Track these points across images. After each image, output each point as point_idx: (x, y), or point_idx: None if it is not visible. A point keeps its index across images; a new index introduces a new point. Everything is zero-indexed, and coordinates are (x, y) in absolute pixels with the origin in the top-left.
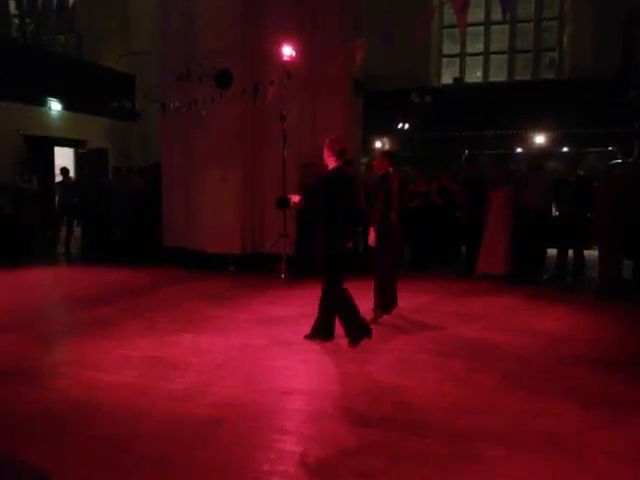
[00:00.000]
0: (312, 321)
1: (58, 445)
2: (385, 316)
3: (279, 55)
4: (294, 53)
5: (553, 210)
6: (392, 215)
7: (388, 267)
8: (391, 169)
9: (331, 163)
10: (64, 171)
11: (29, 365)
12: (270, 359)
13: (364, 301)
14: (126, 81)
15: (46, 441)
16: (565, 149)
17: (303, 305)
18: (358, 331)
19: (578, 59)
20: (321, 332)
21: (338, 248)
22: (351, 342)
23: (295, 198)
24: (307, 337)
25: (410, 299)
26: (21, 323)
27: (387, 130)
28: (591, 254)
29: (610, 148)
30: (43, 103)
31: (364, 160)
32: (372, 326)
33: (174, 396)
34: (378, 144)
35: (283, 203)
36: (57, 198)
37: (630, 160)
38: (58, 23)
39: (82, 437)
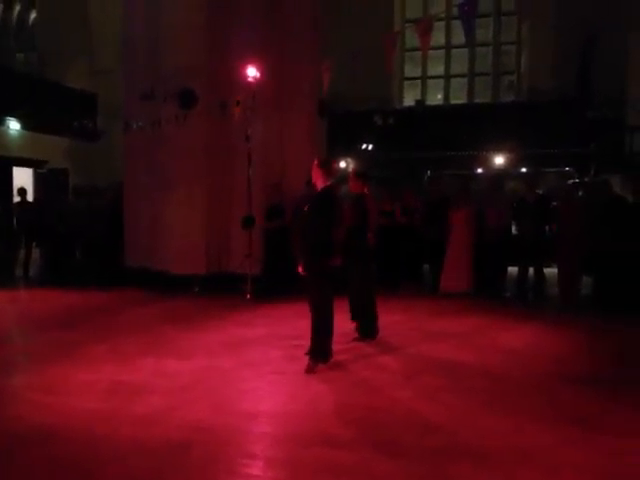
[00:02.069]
0: (279, 342)
1: (17, 471)
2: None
3: (244, 75)
4: (259, 74)
5: (513, 229)
6: (369, 236)
7: (364, 288)
8: (366, 189)
9: (321, 182)
10: (21, 191)
11: None
12: (237, 381)
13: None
14: (88, 100)
15: (4, 467)
16: (524, 169)
17: (269, 325)
18: (321, 353)
19: (536, 82)
20: (319, 354)
21: (327, 264)
22: (310, 360)
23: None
24: (307, 370)
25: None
26: None
27: (351, 150)
28: (550, 271)
29: (567, 168)
30: (1, 122)
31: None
32: (342, 345)
33: (139, 421)
34: (342, 164)
35: (248, 223)
36: (15, 219)
37: (586, 179)
38: (18, 41)
39: (42, 463)
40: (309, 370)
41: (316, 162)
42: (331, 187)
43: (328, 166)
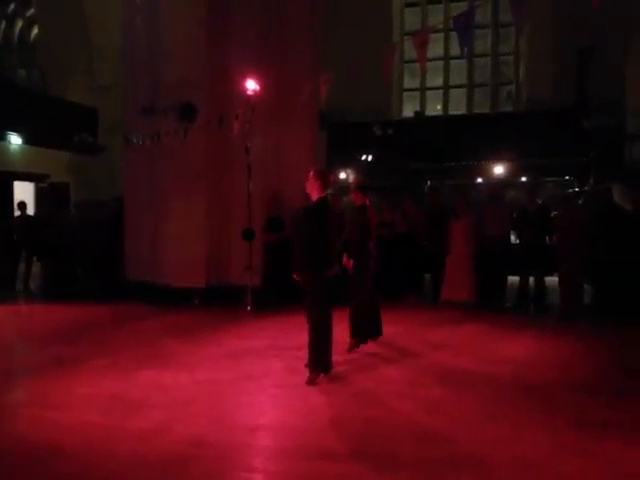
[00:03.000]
0: (279, 354)
1: None
2: (354, 346)
3: (243, 89)
4: (258, 87)
5: (513, 238)
6: (370, 245)
7: (369, 297)
8: (368, 201)
9: (316, 193)
10: (21, 205)
11: None
12: (237, 394)
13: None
14: (88, 115)
15: None
16: (524, 179)
17: (269, 337)
18: (321, 364)
19: (534, 92)
20: (319, 365)
21: (324, 275)
22: (310, 372)
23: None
24: (308, 382)
25: None
26: None
27: (350, 161)
28: (551, 281)
29: (567, 177)
30: (2, 137)
31: (329, 191)
32: (342, 356)
33: (139, 435)
34: (342, 175)
35: (249, 235)
36: (15, 233)
37: (586, 188)
38: (19, 57)
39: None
40: (310, 382)
41: (312, 173)
42: (326, 198)
43: (324, 177)
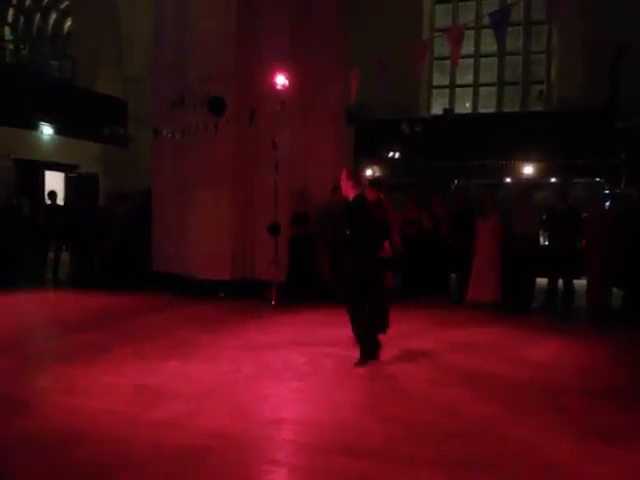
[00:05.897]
0: (302, 349)
1: (41, 475)
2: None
3: (272, 83)
4: (287, 82)
5: (542, 239)
6: (394, 239)
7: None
8: (382, 195)
9: (351, 192)
10: (52, 195)
11: (13, 392)
12: (259, 387)
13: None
14: (118, 107)
15: (29, 471)
16: (554, 179)
17: (293, 332)
18: (368, 354)
19: (566, 91)
20: (366, 354)
21: (365, 270)
22: (359, 362)
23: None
24: (357, 364)
25: (401, 328)
26: (6, 348)
27: (378, 158)
28: (580, 283)
29: (598, 179)
30: (35, 127)
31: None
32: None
33: (161, 425)
34: (369, 172)
35: (275, 229)
36: (45, 222)
37: (618, 191)
38: (52, 48)
39: (66, 467)
40: (358, 364)
41: (344, 174)
42: (362, 194)
43: (356, 176)
